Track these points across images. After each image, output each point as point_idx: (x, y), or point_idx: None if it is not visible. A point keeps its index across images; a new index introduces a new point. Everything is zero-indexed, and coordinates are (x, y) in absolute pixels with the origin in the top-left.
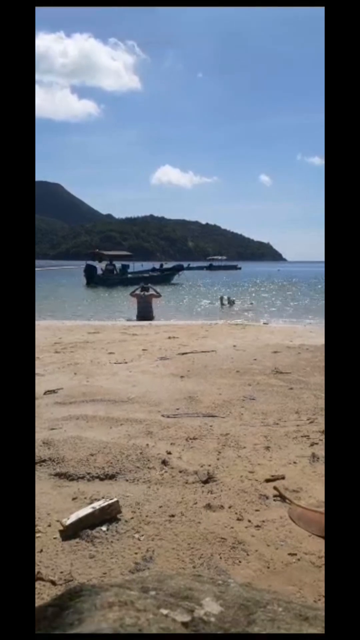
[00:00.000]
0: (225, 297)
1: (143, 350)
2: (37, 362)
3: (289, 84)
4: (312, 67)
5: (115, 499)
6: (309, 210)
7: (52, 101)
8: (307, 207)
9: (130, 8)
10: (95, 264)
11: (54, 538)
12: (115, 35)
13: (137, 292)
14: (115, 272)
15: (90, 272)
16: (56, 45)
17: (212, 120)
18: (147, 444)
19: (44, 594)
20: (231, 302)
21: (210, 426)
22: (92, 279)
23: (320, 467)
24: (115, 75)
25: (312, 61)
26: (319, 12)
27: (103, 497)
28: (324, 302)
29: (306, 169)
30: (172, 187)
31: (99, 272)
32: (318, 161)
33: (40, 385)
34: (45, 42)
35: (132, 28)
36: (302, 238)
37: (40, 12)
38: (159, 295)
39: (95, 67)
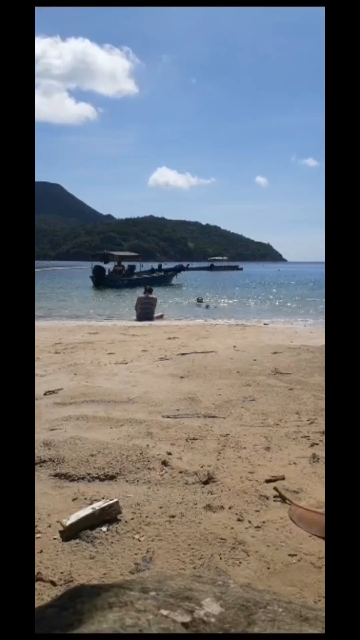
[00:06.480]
0: (201, 299)
1: (143, 350)
2: (37, 363)
3: (282, 86)
4: (305, 69)
5: (115, 500)
6: (306, 211)
7: (49, 104)
8: (305, 207)
9: (126, 13)
10: (102, 264)
11: (54, 539)
12: (110, 41)
13: (141, 295)
14: (123, 272)
15: (99, 273)
16: (52, 50)
17: (207, 123)
18: (147, 445)
19: (44, 595)
20: (208, 305)
21: (211, 427)
22: (101, 282)
23: (321, 468)
24: (112, 80)
25: (306, 63)
26: (315, 13)
27: (103, 498)
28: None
29: (301, 170)
30: (170, 189)
31: (106, 273)
32: (312, 162)
33: (41, 386)
34: (42, 46)
35: (127, 34)
36: (301, 239)
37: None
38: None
39: (91, 72)
